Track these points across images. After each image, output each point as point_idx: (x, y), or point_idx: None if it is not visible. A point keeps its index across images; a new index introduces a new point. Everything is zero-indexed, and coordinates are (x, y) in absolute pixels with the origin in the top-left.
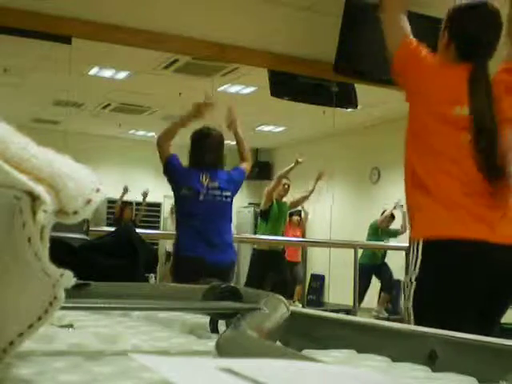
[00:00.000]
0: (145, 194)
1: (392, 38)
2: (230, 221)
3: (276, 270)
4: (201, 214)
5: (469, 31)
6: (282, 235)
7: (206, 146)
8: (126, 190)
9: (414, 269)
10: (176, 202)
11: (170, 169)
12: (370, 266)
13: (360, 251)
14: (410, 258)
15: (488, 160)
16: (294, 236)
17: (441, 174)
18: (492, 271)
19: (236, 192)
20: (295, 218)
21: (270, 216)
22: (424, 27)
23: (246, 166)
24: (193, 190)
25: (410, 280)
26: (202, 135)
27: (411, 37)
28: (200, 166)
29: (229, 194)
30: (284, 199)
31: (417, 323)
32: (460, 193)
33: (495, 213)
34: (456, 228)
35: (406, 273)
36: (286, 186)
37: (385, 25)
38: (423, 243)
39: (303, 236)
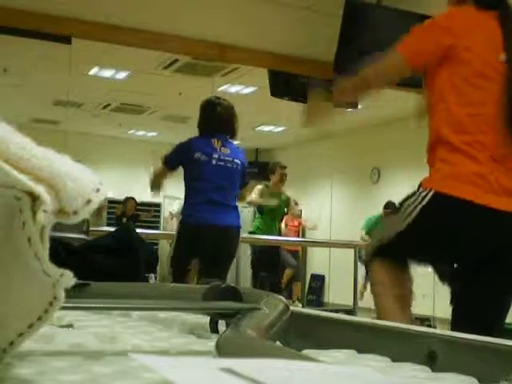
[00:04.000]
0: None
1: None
2: (237, 189)
3: (272, 270)
4: (211, 178)
5: None
6: (279, 228)
7: (216, 114)
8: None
9: (413, 210)
10: (186, 170)
11: (173, 160)
12: None
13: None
14: (412, 199)
15: None
16: (293, 226)
17: (473, 136)
18: (494, 238)
19: (243, 167)
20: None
21: (263, 208)
22: None
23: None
24: (206, 153)
25: (406, 217)
26: (211, 104)
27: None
28: (211, 132)
29: (239, 162)
30: (282, 188)
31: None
32: (488, 156)
33: None
34: (470, 191)
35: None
36: (284, 177)
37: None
38: (434, 194)
39: (300, 226)
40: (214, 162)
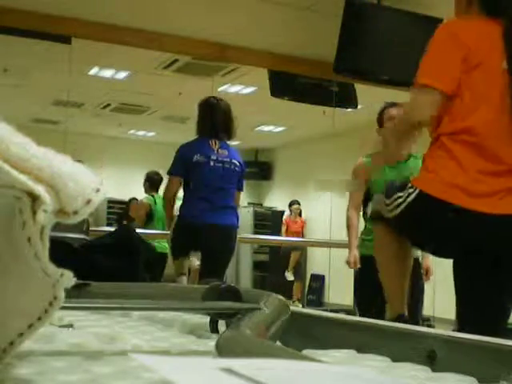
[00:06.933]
0: None
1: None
2: (235, 189)
3: None
4: (209, 179)
5: None
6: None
7: (214, 114)
8: None
9: (399, 204)
10: (187, 173)
11: (177, 168)
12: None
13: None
14: (401, 193)
15: None
16: (296, 229)
17: (468, 145)
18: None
19: (242, 168)
20: (295, 206)
21: None
22: (424, 27)
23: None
24: (204, 155)
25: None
26: (209, 105)
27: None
28: (209, 134)
29: (237, 164)
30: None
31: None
32: (478, 159)
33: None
34: (451, 193)
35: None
36: None
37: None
38: (419, 192)
39: (302, 226)
40: (211, 163)
